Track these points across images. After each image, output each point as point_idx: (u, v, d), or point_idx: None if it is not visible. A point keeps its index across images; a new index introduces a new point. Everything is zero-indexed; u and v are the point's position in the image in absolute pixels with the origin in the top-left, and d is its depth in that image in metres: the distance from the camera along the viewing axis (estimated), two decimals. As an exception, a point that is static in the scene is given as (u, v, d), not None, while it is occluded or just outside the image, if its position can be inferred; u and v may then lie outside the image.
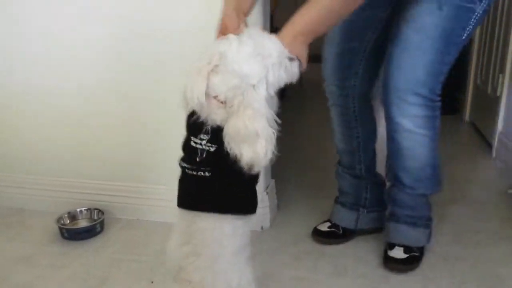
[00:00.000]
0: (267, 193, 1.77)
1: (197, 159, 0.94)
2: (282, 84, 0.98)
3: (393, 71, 1.37)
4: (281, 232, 1.76)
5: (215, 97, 0.93)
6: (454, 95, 3.22)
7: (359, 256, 1.61)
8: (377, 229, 1.68)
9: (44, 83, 1.83)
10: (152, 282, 1.46)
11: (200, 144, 0.94)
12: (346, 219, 1.70)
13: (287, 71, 0.98)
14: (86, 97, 1.81)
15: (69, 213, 1.82)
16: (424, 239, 1.57)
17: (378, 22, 1.48)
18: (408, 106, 1.36)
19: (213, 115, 0.93)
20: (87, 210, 1.84)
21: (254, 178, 0.98)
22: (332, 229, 1.70)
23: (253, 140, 0.88)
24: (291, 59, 0.98)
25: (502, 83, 2.46)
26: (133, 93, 1.76)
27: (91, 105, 1.82)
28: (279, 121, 0.93)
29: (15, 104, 1.89)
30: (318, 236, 1.70)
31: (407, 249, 1.53)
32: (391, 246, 1.55)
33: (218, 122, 0.93)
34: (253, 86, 0.92)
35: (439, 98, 1.40)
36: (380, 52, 1.48)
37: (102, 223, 1.79)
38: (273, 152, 0.90)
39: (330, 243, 1.68)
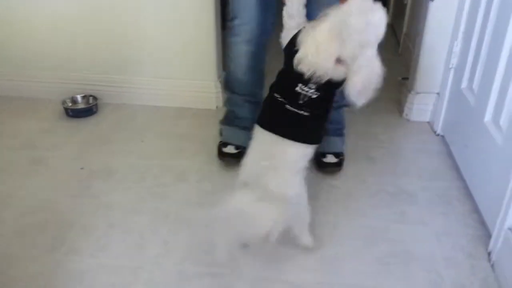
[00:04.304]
0: (220, 81, 2.39)
1: (300, 102, 1.21)
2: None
3: None
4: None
5: (337, 59, 1.16)
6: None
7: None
8: None
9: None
10: (142, 141, 2.13)
11: (307, 91, 1.20)
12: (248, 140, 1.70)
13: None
14: (76, 1, 2.28)
15: (71, 98, 2.38)
16: (343, 145, 1.89)
17: None
18: None
19: (331, 72, 1.16)
20: (84, 96, 2.41)
21: (327, 119, 1.30)
22: (240, 150, 1.77)
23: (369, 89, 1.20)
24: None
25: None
26: None
27: (80, 8, 2.30)
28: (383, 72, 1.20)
29: (21, 8, 2.33)
30: (230, 157, 1.80)
31: (336, 155, 1.83)
32: (324, 154, 1.82)
33: (335, 78, 1.18)
34: (367, 51, 1.15)
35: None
36: None
37: (96, 106, 2.38)
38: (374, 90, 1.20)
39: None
